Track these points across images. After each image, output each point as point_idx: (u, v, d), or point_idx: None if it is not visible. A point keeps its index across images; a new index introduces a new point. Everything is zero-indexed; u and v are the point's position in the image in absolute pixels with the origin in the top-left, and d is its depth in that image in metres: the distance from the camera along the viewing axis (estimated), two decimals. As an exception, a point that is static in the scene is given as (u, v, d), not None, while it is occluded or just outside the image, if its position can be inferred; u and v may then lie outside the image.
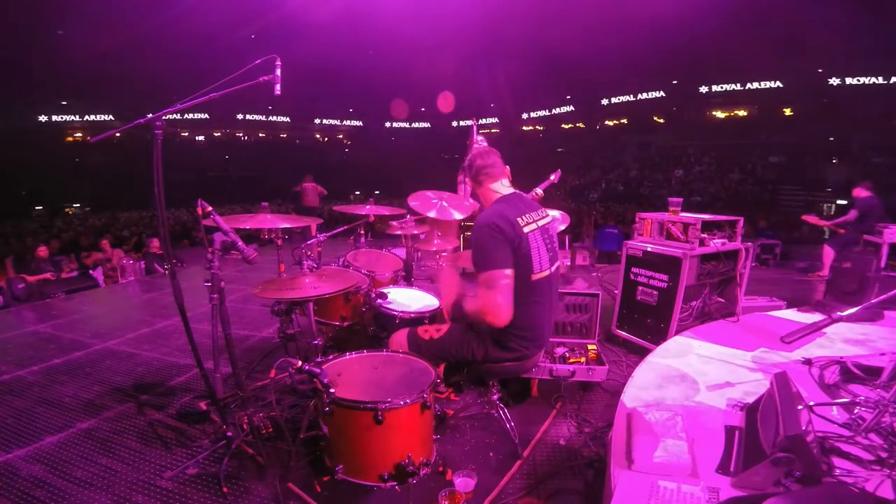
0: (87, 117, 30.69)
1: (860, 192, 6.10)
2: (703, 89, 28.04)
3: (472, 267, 2.03)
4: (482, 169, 2.14)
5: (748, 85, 26.51)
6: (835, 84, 23.38)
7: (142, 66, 25.74)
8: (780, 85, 25.22)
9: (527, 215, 2.04)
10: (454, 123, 37.57)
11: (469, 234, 6.96)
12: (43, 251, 6.73)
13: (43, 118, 29.82)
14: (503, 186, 2.15)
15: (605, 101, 33.14)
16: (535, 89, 32.50)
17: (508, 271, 1.92)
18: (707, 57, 24.74)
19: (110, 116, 30.18)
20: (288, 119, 38.75)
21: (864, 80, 22.44)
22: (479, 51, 27.44)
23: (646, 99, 31.11)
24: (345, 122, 41.33)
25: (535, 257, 2.00)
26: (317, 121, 39.99)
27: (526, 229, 1.99)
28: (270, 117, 37.87)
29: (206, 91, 1.99)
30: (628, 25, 22.44)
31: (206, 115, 33.12)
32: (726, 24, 21.31)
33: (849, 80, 22.86)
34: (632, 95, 31.72)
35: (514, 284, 1.94)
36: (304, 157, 31.51)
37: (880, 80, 21.83)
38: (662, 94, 30.11)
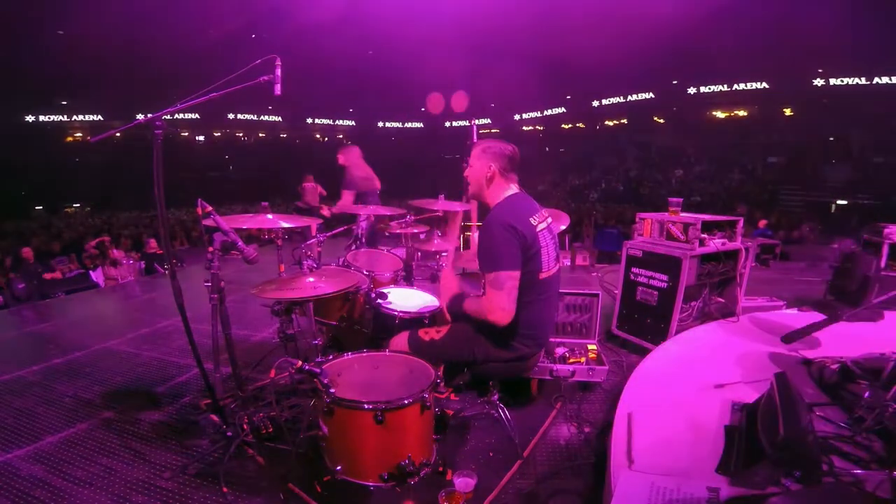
0: (86, 117, 30.68)
1: None
2: (692, 90, 28.18)
3: (479, 264, 2.02)
4: (513, 159, 2.07)
5: (746, 85, 26.58)
6: (834, 84, 23.43)
7: (142, 66, 25.74)
8: (780, 85, 25.27)
9: (538, 214, 2.04)
10: (447, 124, 37.64)
11: (469, 233, 6.97)
12: (27, 252, 6.55)
13: (42, 118, 29.81)
14: (513, 185, 2.15)
15: (603, 102, 33.18)
16: (533, 90, 32.47)
17: (516, 273, 1.92)
18: (705, 58, 24.76)
19: (100, 117, 30.16)
20: (280, 119, 38.47)
21: (864, 80, 22.50)
22: (478, 51, 27.46)
23: (638, 100, 31.20)
24: (338, 122, 41.15)
25: (545, 256, 2.01)
26: (309, 120, 39.75)
27: (538, 228, 2.00)
28: (262, 116, 37.49)
29: (206, 91, 2.00)
30: (626, 26, 22.46)
31: (197, 115, 32.78)
32: (724, 24, 21.34)
33: (848, 81, 22.92)
34: (621, 97, 31.81)
35: (521, 284, 1.94)
36: (302, 157, 31.48)
37: (882, 81, 21.88)
38: (652, 94, 30.17)
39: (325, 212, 4.72)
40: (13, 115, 26.38)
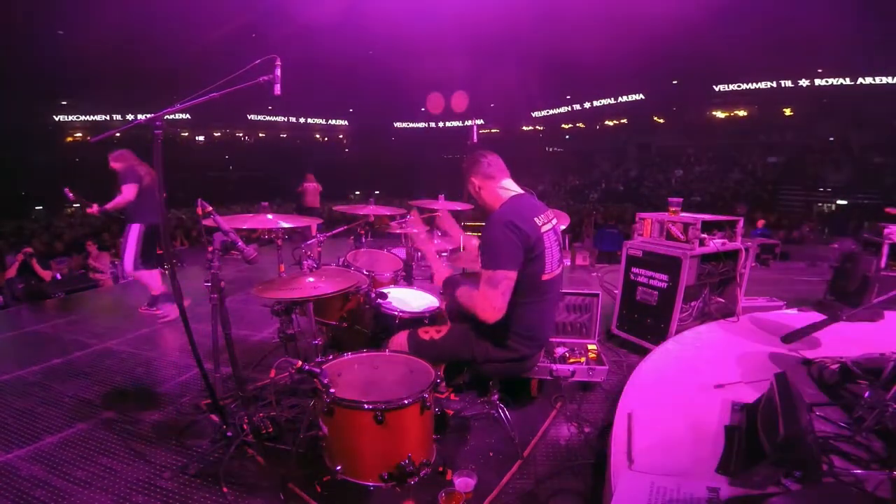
0: (87, 117, 30.67)
1: None
2: (692, 90, 28.20)
3: (480, 260, 2.02)
4: (494, 164, 2.12)
5: (746, 85, 26.58)
6: (835, 84, 23.45)
7: (142, 66, 25.75)
8: (780, 85, 25.29)
9: (543, 215, 2.04)
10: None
11: (469, 234, 6.97)
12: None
13: (43, 118, 29.79)
14: (513, 185, 2.15)
15: (603, 102, 33.17)
16: (533, 90, 32.45)
17: (513, 274, 1.91)
18: (706, 58, 24.74)
19: (100, 117, 30.12)
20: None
21: (863, 80, 22.52)
22: (477, 52, 27.44)
23: (637, 100, 31.19)
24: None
25: (549, 257, 2.00)
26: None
27: (543, 229, 1.99)
28: (261, 116, 36.97)
29: (206, 91, 1.99)
30: (626, 26, 22.46)
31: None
32: (724, 24, 21.34)
33: (849, 81, 22.93)
34: (621, 97, 31.81)
35: (523, 284, 1.94)
36: (301, 156, 31.45)
37: (882, 80, 21.90)
38: (651, 94, 30.15)
39: (93, 209, 4.18)
40: (13, 115, 26.37)
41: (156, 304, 4.36)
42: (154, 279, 4.28)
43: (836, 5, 17.71)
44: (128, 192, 4.11)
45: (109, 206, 4.10)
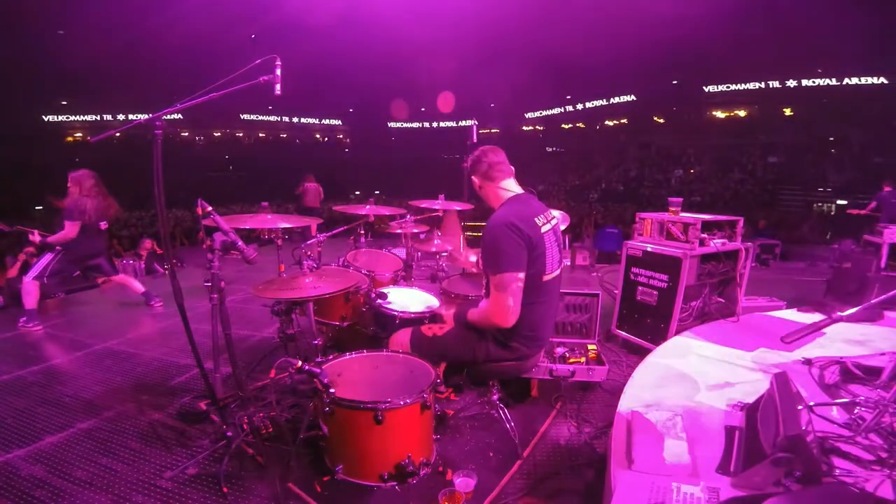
0: (86, 117, 30.68)
1: (885, 187, 7.60)
2: (692, 90, 28.20)
3: (483, 266, 2.02)
4: (495, 165, 2.10)
5: (746, 85, 26.59)
6: (834, 84, 23.45)
7: (142, 67, 25.78)
8: (780, 85, 25.29)
9: (542, 215, 2.04)
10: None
11: (469, 234, 6.96)
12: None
13: (43, 118, 29.80)
14: (514, 185, 2.14)
15: (603, 102, 33.17)
16: (533, 90, 32.43)
17: (521, 274, 1.91)
18: (706, 58, 24.75)
19: (100, 117, 30.15)
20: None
21: (863, 80, 22.52)
22: (477, 52, 27.44)
23: (638, 100, 31.18)
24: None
25: (549, 258, 2.00)
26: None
27: (543, 229, 1.99)
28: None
29: (206, 91, 1.99)
30: (626, 27, 22.46)
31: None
32: (725, 24, 21.35)
33: (848, 81, 22.93)
34: (621, 97, 31.80)
35: (524, 285, 1.94)
36: (293, 156, 31.44)
37: (881, 80, 21.90)
38: (652, 94, 30.16)
39: (35, 237, 4.17)
40: (13, 116, 26.37)
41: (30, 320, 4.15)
42: (29, 295, 4.09)
43: (835, 5, 17.73)
44: (70, 230, 4.05)
45: (51, 239, 4.06)
